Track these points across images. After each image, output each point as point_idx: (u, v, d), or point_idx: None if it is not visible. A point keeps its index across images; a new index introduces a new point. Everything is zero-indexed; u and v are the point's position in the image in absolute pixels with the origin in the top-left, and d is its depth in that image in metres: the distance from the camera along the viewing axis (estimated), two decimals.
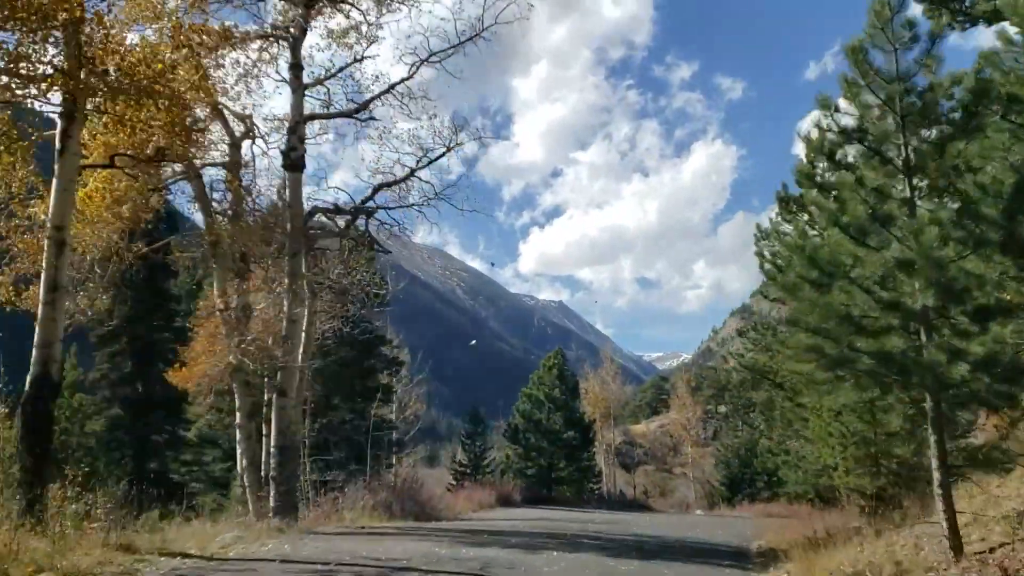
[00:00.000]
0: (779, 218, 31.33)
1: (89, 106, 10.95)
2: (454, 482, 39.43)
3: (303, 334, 18.98)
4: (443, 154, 19.60)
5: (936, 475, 8.12)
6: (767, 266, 32.43)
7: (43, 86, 9.62)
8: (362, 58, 18.85)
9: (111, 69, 10.12)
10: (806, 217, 18.44)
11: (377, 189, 19.47)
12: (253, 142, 18.92)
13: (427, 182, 19.74)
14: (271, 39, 17.96)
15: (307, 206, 18.71)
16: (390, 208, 19.08)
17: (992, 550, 8.08)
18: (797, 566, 10.04)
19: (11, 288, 14.01)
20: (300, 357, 17.91)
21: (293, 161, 17.87)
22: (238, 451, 18.54)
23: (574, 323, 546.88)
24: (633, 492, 59.28)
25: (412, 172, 19.57)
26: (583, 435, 39.44)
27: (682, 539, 16.39)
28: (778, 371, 32.42)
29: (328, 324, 22.51)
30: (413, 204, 18.97)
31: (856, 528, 12.70)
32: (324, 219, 19.34)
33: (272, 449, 17.18)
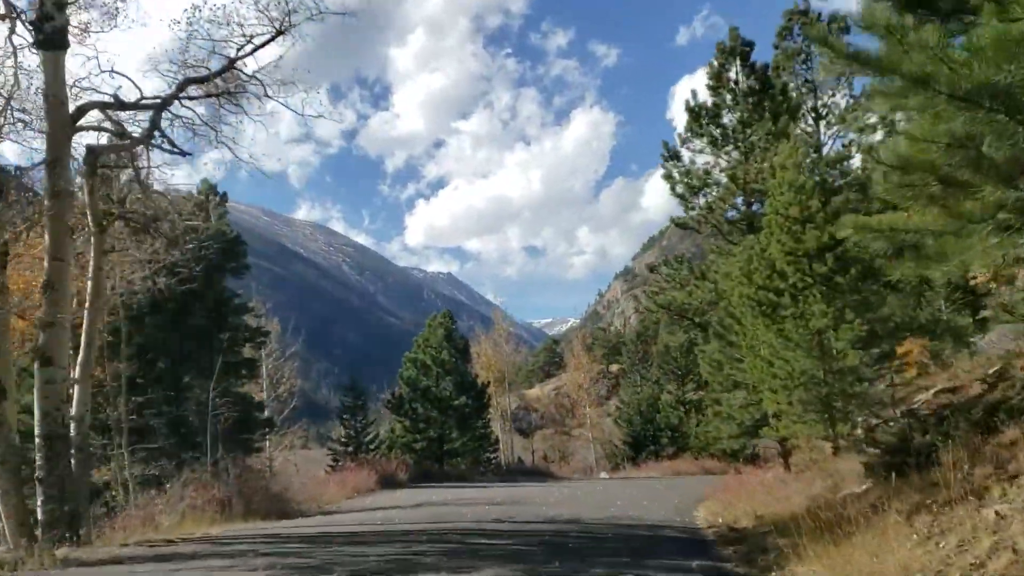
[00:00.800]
0: (689, 134, 28.15)
1: None
2: (333, 463, 34.59)
3: (89, 281, 13.89)
4: (272, 38, 14.65)
5: None
6: (679, 187, 29.29)
7: None
8: None
9: None
10: None
11: (184, 85, 14.37)
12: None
13: (253, 78, 14.79)
14: None
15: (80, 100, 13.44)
16: (194, 98, 14.02)
17: None
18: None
19: None
20: (75, 311, 12.85)
21: (48, 36, 12.56)
22: None
23: (464, 294, 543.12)
24: (532, 459, 56.03)
25: (231, 63, 14.57)
26: (477, 401, 35.29)
27: (610, 520, 12.47)
28: (697, 308, 29.13)
29: (145, 276, 17.14)
30: (224, 93, 13.94)
31: (862, 497, 8.93)
32: (105, 119, 14.04)
33: (37, 440, 12.10)
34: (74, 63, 28.10)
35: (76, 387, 13.39)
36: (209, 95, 14.46)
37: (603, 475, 41.91)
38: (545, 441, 61.17)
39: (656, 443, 46.07)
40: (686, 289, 28.55)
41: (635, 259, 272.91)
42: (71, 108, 12.96)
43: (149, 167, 14.59)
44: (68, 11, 12.92)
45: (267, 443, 38.26)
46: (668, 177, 27.86)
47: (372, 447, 36.25)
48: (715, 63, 27.31)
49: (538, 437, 62.46)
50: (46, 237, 12.38)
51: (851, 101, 28.72)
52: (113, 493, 20.20)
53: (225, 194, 36.78)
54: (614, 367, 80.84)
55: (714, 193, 27.30)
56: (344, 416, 36.94)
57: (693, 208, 27.64)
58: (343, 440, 36.68)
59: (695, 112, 26.65)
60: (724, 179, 26.65)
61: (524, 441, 63.32)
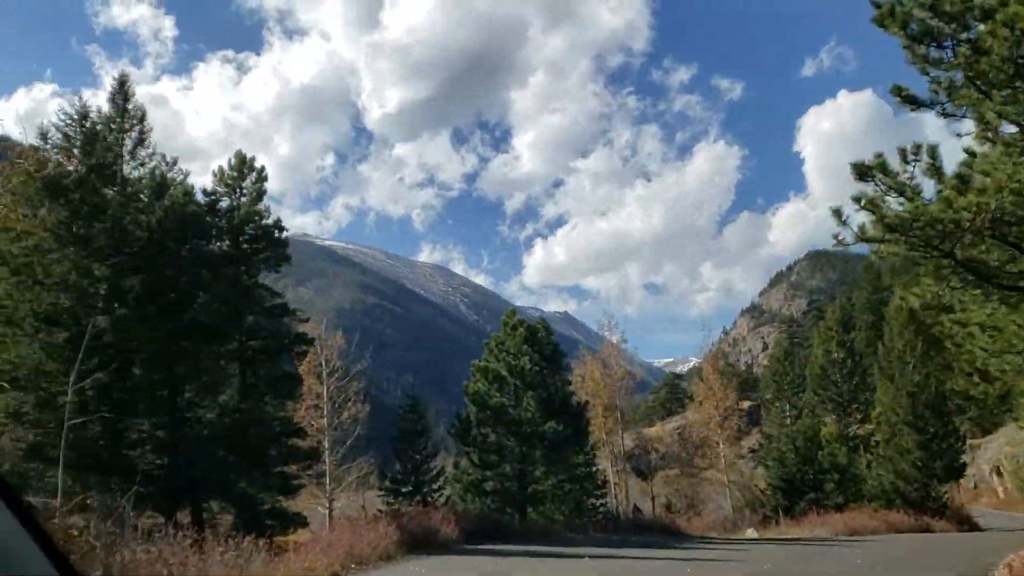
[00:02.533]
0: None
1: None
2: (382, 508, 25.89)
3: None
4: None
5: None
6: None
7: None
8: None
9: None
10: None
11: None
12: None
13: None
14: None
15: None
16: None
17: None
18: None
19: None
20: None
21: None
22: None
23: (581, 333, 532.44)
24: (652, 507, 45.53)
25: None
26: (574, 426, 25.80)
27: None
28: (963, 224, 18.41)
29: None
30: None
31: None
32: None
33: None
34: None
35: None
36: None
37: (751, 532, 31.27)
38: (668, 485, 50.37)
39: (818, 489, 34.94)
40: (944, 195, 17.53)
41: (762, 295, 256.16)
42: None
43: None
44: None
45: (325, 481, 30.17)
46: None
47: (435, 487, 27.33)
48: None
49: (659, 480, 51.75)
50: None
51: None
52: None
53: (263, 169, 29.35)
54: (745, 403, 69.27)
55: None
56: (399, 446, 28.21)
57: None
58: (398, 477, 27.92)
59: None
60: None
61: (642, 484, 52.83)
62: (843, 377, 42.64)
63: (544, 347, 26.06)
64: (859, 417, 43.47)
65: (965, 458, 42.52)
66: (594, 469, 34.87)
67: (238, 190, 28.02)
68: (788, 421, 40.48)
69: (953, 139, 12.43)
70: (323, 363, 31.03)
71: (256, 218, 28.11)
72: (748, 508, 38.69)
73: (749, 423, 58.48)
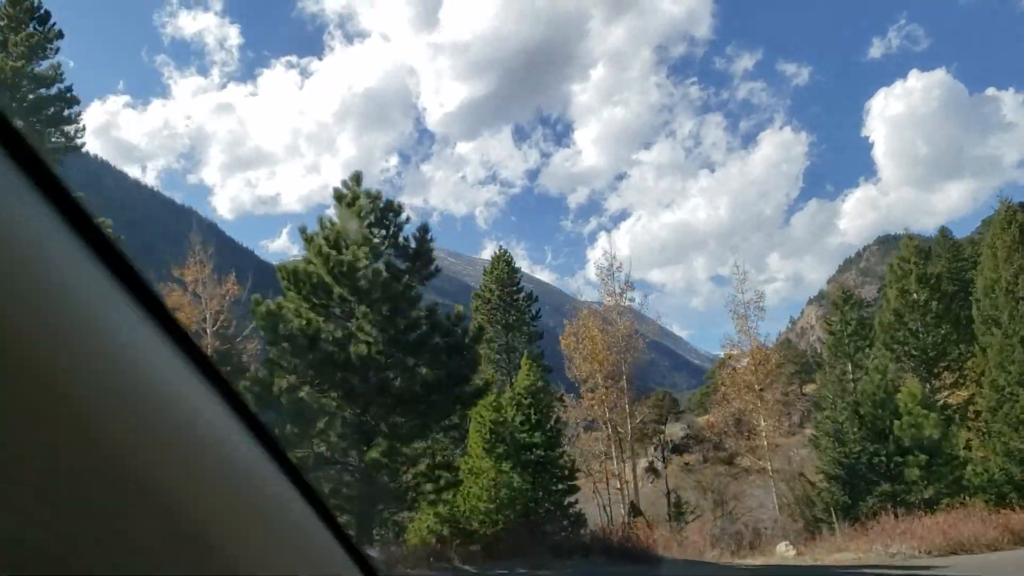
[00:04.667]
0: None
1: None
2: None
3: None
4: None
5: None
6: None
7: None
8: None
9: None
10: None
11: None
12: None
13: None
14: None
15: None
16: None
17: None
18: None
19: None
20: None
21: None
22: None
23: (645, 327, 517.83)
24: (669, 503, 34.43)
25: None
26: (454, 370, 15.20)
27: None
28: None
29: None
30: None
31: None
32: None
33: None
34: None
35: None
36: None
37: (784, 550, 20.03)
38: (691, 475, 39.06)
39: (895, 479, 23.47)
40: None
41: (830, 282, 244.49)
42: None
43: None
44: None
45: None
46: None
47: None
48: None
49: (679, 472, 40.49)
50: None
51: None
52: None
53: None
54: (809, 387, 57.35)
55: None
56: None
57: None
58: None
59: None
60: None
61: (668, 478, 41.72)
62: (926, 324, 30.93)
63: (403, 239, 15.57)
64: (950, 380, 31.67)
65: None
66: (559, 454, 24.32)
67: None
68: (851, 386, 28.76)
69: None
70: None
71: None
72: (798, 508, 27.34)
73: (810, 413, 46.88)
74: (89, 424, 0.65)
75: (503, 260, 40.91)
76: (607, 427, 37.23)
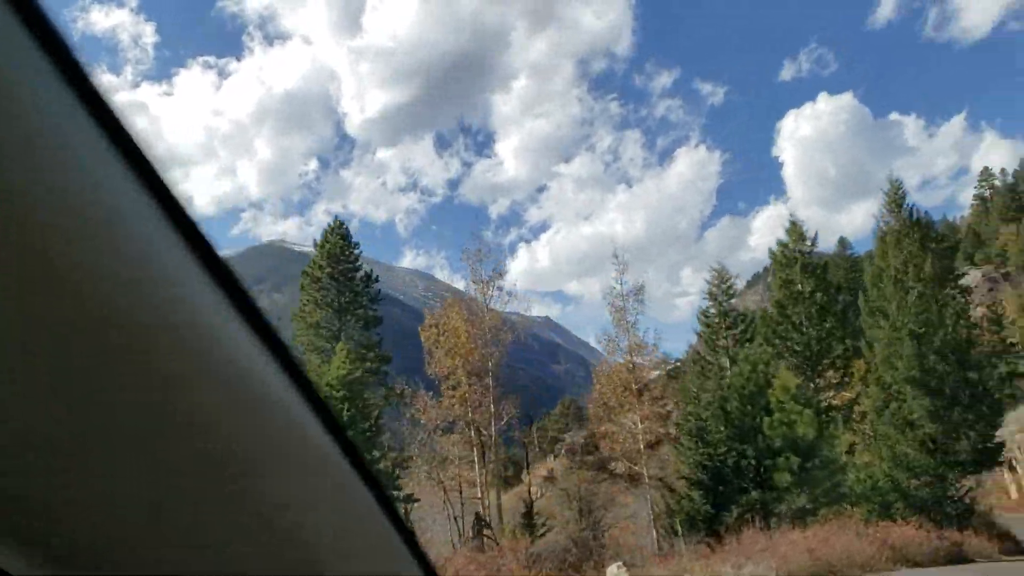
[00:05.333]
0: None
1: None
2: None
3: None
4: None
5: None
6: None
7: None
8: None
9: None
10: None
11: None
12: None
13: None
14: None
15: None
16: None
17: None
18: None
19: None
20: None
21: None
22: None
23: (562, 337, 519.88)
24: (532, 513, 30.55)
25: None
26: None
27: None
28: None
29: None
30: None
31: None
32: None
33: None
34: None
35: None
36: None
37: (617, 570, 16.28)
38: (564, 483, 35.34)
39: (765, 485, 20.17)
40: None
41: (738, 297, 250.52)
42: None
43: None
44: None
45: None
46: None
47: None
48: None
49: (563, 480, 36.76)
50: None
51: None
52: None
53: None
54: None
55: None
56: None
57: None
58: None
59: None
60: None
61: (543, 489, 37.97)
62: (810, 317, 28.12)
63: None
64: (835, 379, 28.96)
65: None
66: (378, 457, 20.14)
67: None
68: (724, 383, 25.52)
69: None
70: None
71: None
72: (662, 518, 23.82)
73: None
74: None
75: (337, 232, 34.44)
76: (469, 429, 33.28)
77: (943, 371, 24.90)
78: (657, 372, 33.56)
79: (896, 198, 25.75)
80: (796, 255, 28.72)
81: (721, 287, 30.29)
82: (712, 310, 30.43)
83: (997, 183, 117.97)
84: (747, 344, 29.81)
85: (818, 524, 18.11)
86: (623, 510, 31.78)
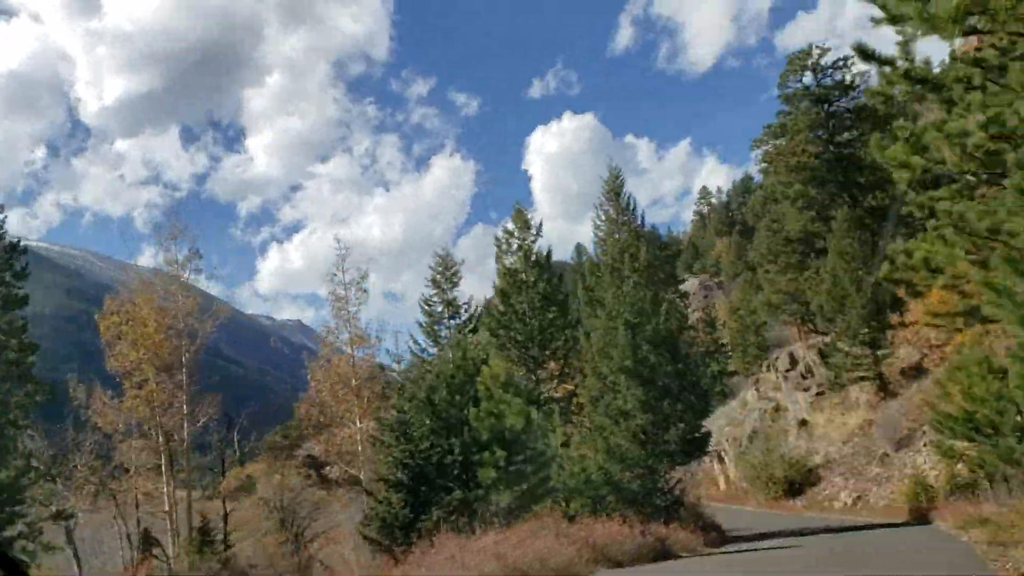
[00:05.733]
0: None
1: None
2: None
3: None
4: None
5: None
6: None
7: None
8: None
9: None
10: None
11: None
12: None
13: None
14: None
15: None
16: None
17: None
18: None
19: None
20: None
21: None
22: None
23: (313, 341, 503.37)
24: (226, 527, 26.66)
25: None
26: None
27: None
28: None
29: None
30: None
31: None
32: None
33: None
34: None
35: None
36: None
37: None
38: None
39: (469, 483, 18.20)
40: None
41: (489, 302, 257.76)
42: None
43: None
44: None
45: None
46: None
47: None
48: None
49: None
50: None
51: None
52: None
53: None
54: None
55: None
56: None
57: None
58: None
59: None
60: None
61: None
62: (533, 307, 27.10)
63: None
64: (557, 370, 28.27)
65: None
66: None
67: None
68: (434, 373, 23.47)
69: None
70: None
71: None
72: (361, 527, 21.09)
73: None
74: None
75: None
76: (156, 433, 28.52)
77: (656, 361, 24.74)
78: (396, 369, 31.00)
79: (615, 186, 25.41)
80: (520, 243, 27.61)
81: (446, 274, 28.46)
82: (435, 299, 28.51)
83: (714, 201, 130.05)
84: (472, 335, 28.17)
85: (522, 524, 16.41)
86: (335, 517, 28.84)
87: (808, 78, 48.10)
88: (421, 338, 27.73)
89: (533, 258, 27.51)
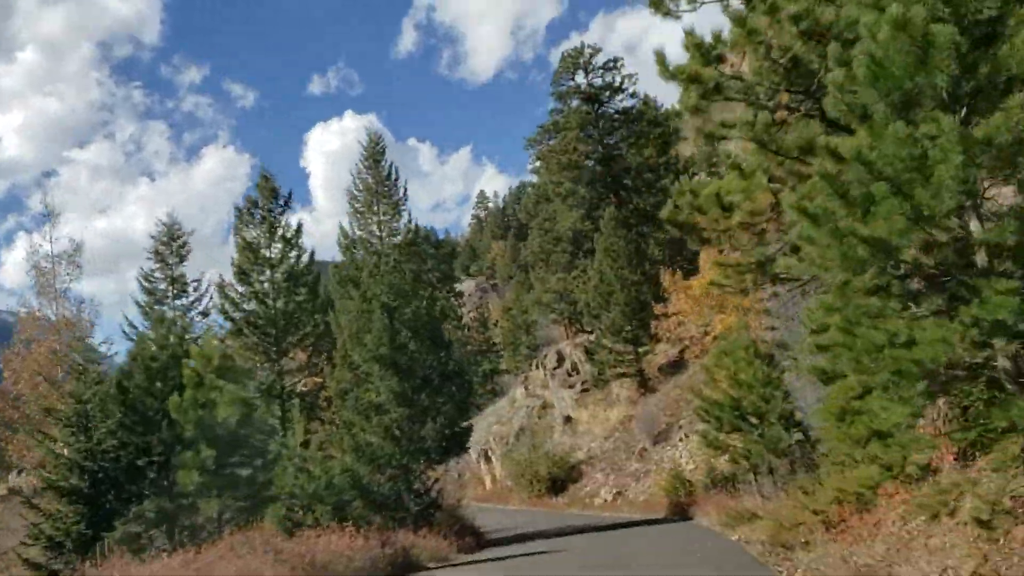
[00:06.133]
0: None
1: None
2: None
3: None
4: None
5: None
6: None
7: None
8: None
9: None
10: None
11: None
12: None
13: None
14: None
15: None
16: None
17: None
18: None
19: None
20: None
21: None
22: None
23: None
24: None
25: None
26: None
27: None
28: None
29: None
30: None
31: None
32: None
33: None
34: None
35: None
36: None
37: None
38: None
39: (172, 489, 14.53)
40: None
41: (224, 283, 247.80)
42: None
43: None
44: None
45: None
46: None
47: None
48: None
49: None
50: None
51: None
52: None
53: None
54: None
55: None
56: None
57: None
58: None
59: None
60: None
61: None
62: (279, 289, 23.53)
63: None
64: (304, 360, 24.86)
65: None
66: None
67: None
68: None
69: None
70: None
71: None
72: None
73: None
74: None
75: None
76: None
77: (416, 349, 22.29)
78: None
79: (374, 152, 22.63)
80: (265, 214, 23.97)
81: (172, 246, 24.13)
82: (158, 274, 24.07)
83: (491, 205, 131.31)
84: (205, 318, 24.06)
85: (248, 532, 13.09)
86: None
87: (580, 77, 48.34)
88: (140, 320, 23.20)
89: (280, 232, 23.99)
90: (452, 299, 72.99)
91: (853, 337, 6.10)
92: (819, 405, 15.54)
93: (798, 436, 15.47)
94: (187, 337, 16.19)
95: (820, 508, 9.21)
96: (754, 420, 15.51)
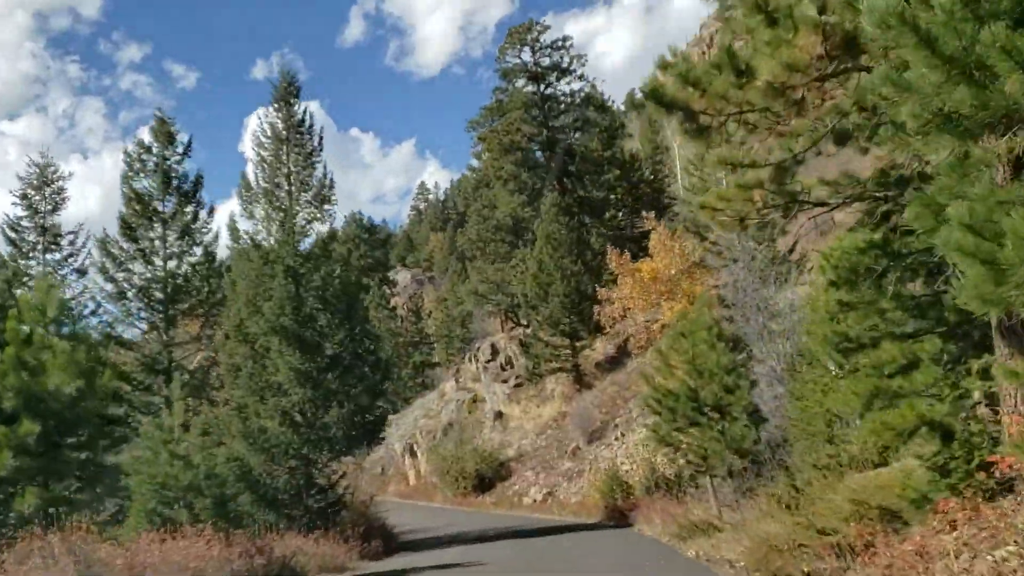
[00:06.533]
0: None
1: None
2: None
3: None
4: None
5: None
6: None
7: None
8: None
9: None
10: None
11: None
12: None
13: None
14: None
15: None
16: None
17: None
18: None
19: None
20: None
21: None
22: None
23: None
24: None
25: None
26: None
27: None
28: None
29: None
30: None
31: None
32: None
33: None
34: None
35: None
36: None
37: None
38: None
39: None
40: None
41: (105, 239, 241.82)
42: None
43: None
44: None
45: None
46: None
47: None
48: None
49: None
50: None
51: None
52: None
53: None
54: None
55: None
56: None
57: None
58: None
59: None
60: None
61: None
62: (168, 247, 20.29)
63: None
64: (195, 331, 21.60)
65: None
66: None
67: None
68: None
69: None
70: None
71: None
72: None
73: None
74: None
75: None
76: None
77: (324, 323, 19.36)
78: None
79: (286, 94, 19.55)
80: (159, 162, 20.62)
81: (43, 192, 20.64)
82: (26, 222, 20.53)
83: (431, 198, 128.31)
84: (82, 277, 20.62)
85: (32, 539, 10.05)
86: None
87: (527, 55, 45.75)
88: None
89: (175, 183, 20.73)
90: (385, 288, 69.86)
91: (981, 239, 3.66)
92: (789, 398, 13.35)
93: (765, 434, 13.16)
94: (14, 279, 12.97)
95: (831, 527, 6.73)
96: (714, 414, 13.15)
